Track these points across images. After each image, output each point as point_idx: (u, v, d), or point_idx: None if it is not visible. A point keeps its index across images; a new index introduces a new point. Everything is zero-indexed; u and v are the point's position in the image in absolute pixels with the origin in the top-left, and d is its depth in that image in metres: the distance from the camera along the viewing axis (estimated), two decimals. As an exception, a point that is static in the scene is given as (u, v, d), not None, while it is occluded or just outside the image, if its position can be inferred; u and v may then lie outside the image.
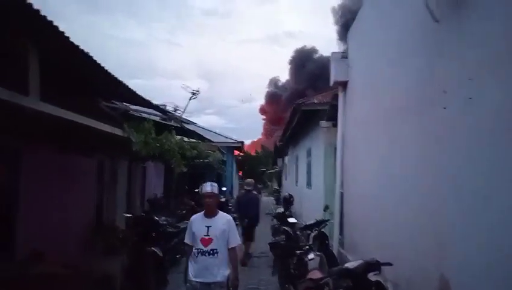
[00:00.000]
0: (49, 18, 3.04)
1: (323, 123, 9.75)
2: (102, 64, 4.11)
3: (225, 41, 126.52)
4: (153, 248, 7.29)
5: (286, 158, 25.87)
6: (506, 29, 2.95)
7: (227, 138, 24.74)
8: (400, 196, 5.13)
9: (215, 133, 23.76)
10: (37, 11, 2.86)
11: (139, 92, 5.79)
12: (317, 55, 43.12)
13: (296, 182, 18.17)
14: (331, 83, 8.55)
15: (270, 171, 44.26)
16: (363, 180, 7.08)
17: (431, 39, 4.22)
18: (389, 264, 3.95)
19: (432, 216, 4.10)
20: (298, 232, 8.45)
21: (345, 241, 8.34)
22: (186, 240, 4.71)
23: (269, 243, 8.55)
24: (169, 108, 11.99)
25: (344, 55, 8.31)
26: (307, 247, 6.38)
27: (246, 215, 10.57)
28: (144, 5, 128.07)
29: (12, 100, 3.12)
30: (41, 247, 5.84)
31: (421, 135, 4.40)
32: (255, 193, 12.46)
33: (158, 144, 6.35)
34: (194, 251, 4.53)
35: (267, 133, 53.41)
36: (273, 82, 54.33)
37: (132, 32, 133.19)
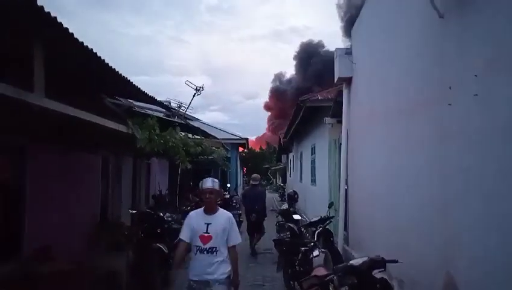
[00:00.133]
0: (54, 14, 3.04)
1: (328, 120, 9.71)
2: (106, 61, 4.11)
3: (230, 38, 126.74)
4: (158, 244, 7.30)
5: (290, 155, 25.84)
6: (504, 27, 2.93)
7: (231, 134, 24.77)
8: (407, 193, 5.11)
9: (220, 129, 23.79)
10: (41, 7, 2.85)
11: (145, 89, 5.80)
12: (324, 49, 41.85)
13: (301, 178, 18.15)
14: (335, 79, 8.51)
15: (274, 168, 44.25)
16: (368, 177, 7.05)
17: (436, 35, 4.19)
18: (394, 261, 3.92)
19: (439, 214, 4.09)
20: (303, 229, 8.43)
21: (349, 238, 8.33)
22: (182, 236, 4.40)
23: (274, 240, 8.54)
24: (174, 104, 12.00)
25: (348, 51, 8.27)
26: (312, 244, 6.36)
27: (253, 209, 10.89)
28: (151, 2, 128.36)
29: (17, 97, 3.13)
30: (47, 243, 5.87)
31: (429, 132, 4.37)
32: (261, 188, 12.78)
33: (162, 141, 6.34)
34: (192, 248, 4.33)
35: (272, 128, 52.56)
36: (278, 77, 53.70)
37: (140, 29, 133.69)
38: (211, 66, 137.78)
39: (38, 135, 5.75)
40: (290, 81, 49.72)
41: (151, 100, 6.43)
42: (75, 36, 3.40)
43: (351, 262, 4.15)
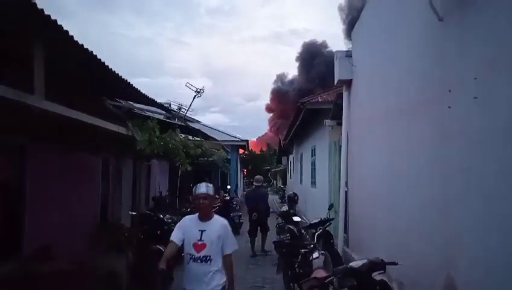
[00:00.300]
0: (54, 17, 3.05)
1: (328, 122, 9.72)
2: (106, 63, 4.12)
3: (230, 40, 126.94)
4: (158, 246, 7.30)
5: (291, 156, 25.85)
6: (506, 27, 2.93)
7: (232, 136, 24.77)
8: (407, 195, 5.11)
9: (220, 131, 23.80)
10: (41, 10, 2.87)
11: (145, 90, 5.84)
12: (327, 50, 40.32)
13: (301, 180, 18.15)
14: (336, 81, 8.53)
15: (274, 170, 44.25)
16: (368, 179, 7.06)
17: (435, 38, 4.20)
18: (394, 263, 3.93)
19: (440, 215, 4.08)
20: (303, 231, 8.43)
21: (349, 240, 8.32)
22: (173, 238, 4.09)
23: (274, 242, 8.55)
24: (174, 106, 12.02)
25: (348, 54, 8.28)
26: (312, 246, 6.37)
27: (256, 210, 11.16)
28: (151, 4, 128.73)
29: (17, 99, 3.14)
30: (47, 244, 5.87)
31: (430, 132, 4.37)
32: (265, 189, 13.60)
33: (162, 143, 6.35)
34: (185, 256, 4.08)
35: (274, 129, 51.85)
36: (280, 78, 53.00)
37: (141, 31, 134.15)
38: (211, 68, 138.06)
39: (39, 136, 5.75)
40: (292, 82, 49.07)
41: (151, 102, 6.45)
42: (75, 38, 3.41)
43: (350, 264, 4.15)
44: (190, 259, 4.01)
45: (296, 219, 9.39)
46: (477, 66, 3.37)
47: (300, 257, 6.48)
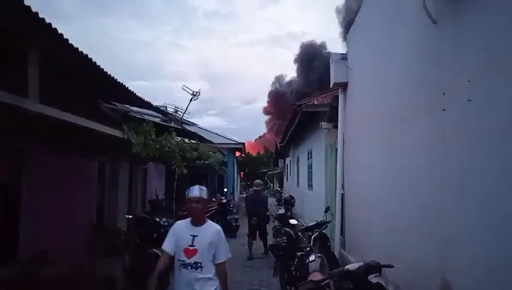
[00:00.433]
0: (50, 20, 3.05)
1: (324, 124, 9.75)
2: (102, 67, 4.12)
3: (227, 43, 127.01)
4: (154, 249, 7.28)
5: (287, 159, 25.86)
6: (506, 27, 2.94)
7: (228, 139, 24.77)
8: (403, 198, 5.12)
9: (217, 134, 23.79)
10: (36, 13, 2.86)
11: (142, 94, 5.83)
12: (326, 51, 38.95)
13: (298, 183, 18.16)
14: (331, 84, 8.55)
15: (271, 172, 44.22)
16: (364, 181, 7.07)
17: (430, 40, 4.22)
18: (390, 266, 3.94)
19: (436, 218, 4.09)
20: (299, 234, 8.44)
21: (346, 242, 8.33)
22: (165, 247, 3.95)
23: (270, 245, 8.54)
24: (170, 109, 12.00)
25: (344, 57, 8.31)
26: (308, 248, 6.36)
27: (256, 214, 11.28)
28: (150, 7, 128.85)
29: (12, 102, 3.12)
30: (43, 247, 5.84)
31: (426, 136, 4.37)
32: (264, 192, 13.83)
33: (158, 146, 6.34)
34: (176, 263, 3.89)
35: (273, 130, 51.11)
36: (278, 79, 52.27)
37: (139, 34, 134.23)
38: (208, 71, 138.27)
39: (35, 140, 5.74)
40: (290, 83, 48.70)
41: (147, 105, 6.44)
42: (71, 42, 3.41)
43: (346, 267, 4.16)
44: (181, 265, 3.84)
45: (293, 221, 9.40)
46: (472, 67, 3.38)
47: (296, 259, 6.48)
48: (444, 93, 3.82)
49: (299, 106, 11.68)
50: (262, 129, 61.76)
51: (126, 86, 5.02)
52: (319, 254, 5.86)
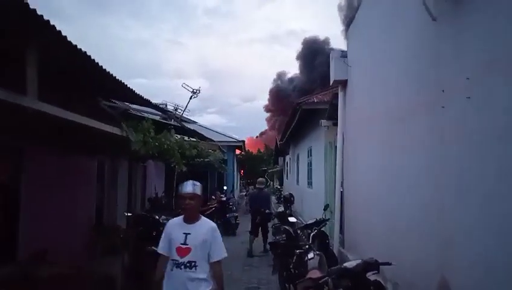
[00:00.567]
0: (48, 18, 3.04)
1: (324, 122, 9.74)
2: (101, 64, 4.11)
3: (227, 41, 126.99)
4: (153, 247, 7.27)
5: (287, 157, 25.86)
6: (505, 27, 2.93)
7: (228, 137, 24.76)
8: (403, 196, 5.11)
9: (217, 132, 23.79)
10: (34, 10, 2.86)
11: (142, 91, 5.84)
12: (330, 48, 36.43)
13: (297, 181, 18.16)
14: (331, 81, 8.54)
15: (271, 170, 44.20)
16: (364, 179, 7.07)
17: (430, 38, 4.21)
18: (388, 263, 3.94)
19: (435, 217, 4.08)
20: (299, 232, 8.44)
21: (345, 240, 8.33)
22: (161, 250, 3.82)
23: (269, 243, 8.55)
24: (170, 107, 12.01)
25: (344, 54, 8.29)
26: (307, 246, 6.36)
27: (259, 212, 11.48)
28: (149, 6, 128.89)
29: (10, 100, 3.12)
30: (42, 247, 5.85)
31: (425, 136, 4.36)
32: (267, 190, 14.28)
33: (157, 143, 6.34)
34: (168, 263, 3.73)
35: (275, 127, 50.41)
36: (280, 76, 51.74)
37: (139, 32, 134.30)
38: (208, 69, 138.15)
39: (34, 139, 5.74)
40: (291, 80, 48.18)
41: (146, 103, 6.44)
42: (69, 39, 3.40)
43: (344, 264, 4.16)
44: (174, 265, 3.66)
45: (292, 219, 9.38)
46: (471, 67, 3.38)
47: (295, 257, 6.48)
48: (443, 91, 3.81)
49: (299, 104, 11.66)
50: (263, 127, 61.69)
51: (125, 83, 5.02)
52: (317, 252, 5.87)
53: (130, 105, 7.12)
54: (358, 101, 7.49)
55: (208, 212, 15.97)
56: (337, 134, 8.57)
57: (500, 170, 2.98)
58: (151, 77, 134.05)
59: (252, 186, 29.62)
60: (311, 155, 13.65)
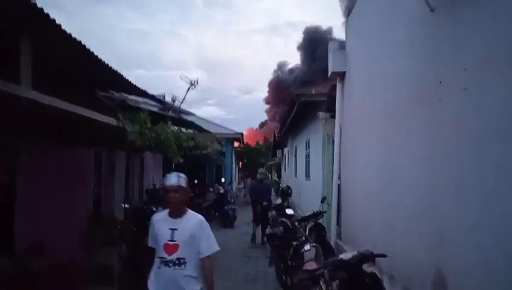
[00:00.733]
0: (44, 8, 3.00)
1: (322, 114, 9.70)
2: (96, 54, 4.07)
3: (226, 32, 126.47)
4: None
5: (285, 150, 25.85)
6: (504, 17, 2.91)
7: (226, 129, 24.71)
8: (400, 188, 5.10)
9: (215, 124, 23.73)
10: (27, -2, 2.82)
11: (141, 83, 5.83)
12: (332, 37, 35.71)
13: (295, 173, 18.17)
14: (329, 73, 8.50)
15: (269, 163, 44.20)
16: (361, 172, 7.06)
17: (428, 29, 4.18)
18: (384, 255, 3.94)
19: (432, 210, 4.07)
20: (296, 224, 8.44)
21: (342, 232, 8.34)
22: (152, 244, 3.62)
23: (266, 235, 8.55)
24: (168, 99, 11.95)
25: (342, 46, 8.24)
26: (303, 238, 6.37)
27: (259, 202, 11.60)
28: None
29: (3, 88, 3.09)
30: (39, 239, 5.85)
31: (423, 126, 4.34)
32: (267, 181, 14.37)
33: (154, 135, 6.31)
34: (155, 261, 3.53)
35: (275, 118, 49.95)
36: (280, 66, 51.28)
37: (138, 24, 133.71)
38: (207, 61, 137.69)
39: (30, 130, 5.70)
40: (292, 71, 47.69)
41: (142, 93, 6.40)
42: (63, 28, 3.36)
43: (340, 256, 4.16)
44: (161, 263, 3.46)
45: (289, 211, 9.38)
46: (470, 58, 3.35)
47: (292, 249, 6.49)
48: (440, 82, 3.79)
49: (297, 96, 11.61)
50: (262, 119, 61.50)
51: (120, 73, 4.98)
52: (314, 244, 5.88)
53: (127, 96, 7.08)
54: (357, 94, 7.45)
55: (205, 204, 16.02)
56: (334, 126, 8.54)
57: (499, 164, 2.97)
58: (150, 68, 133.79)
59: (250, 179, 29.64)
60: (309, 147, 13.63)
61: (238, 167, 42.26)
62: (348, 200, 7.98)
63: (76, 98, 4.25)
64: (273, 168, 44.65)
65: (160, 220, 3.60)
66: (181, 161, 7.76)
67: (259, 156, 46.42)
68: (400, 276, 4.82)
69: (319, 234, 7.64)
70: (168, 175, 3.62)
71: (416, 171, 4.58)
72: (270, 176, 46.99)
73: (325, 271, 4.40)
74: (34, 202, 6.14)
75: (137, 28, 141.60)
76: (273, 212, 10.79)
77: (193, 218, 3.59)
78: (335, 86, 8.57)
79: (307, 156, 13.96)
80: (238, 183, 35.84)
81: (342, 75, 8.20)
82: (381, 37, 5.96)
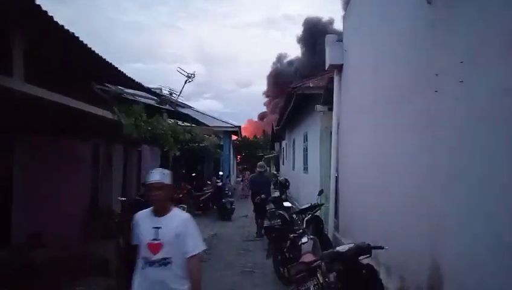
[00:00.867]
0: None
1: (319, 107, 9.69)
2: (89, 46, 4.03)
3: (224, 25, 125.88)
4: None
5: (283, 142, 25.83)
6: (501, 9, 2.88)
7: (224, 122, 24.65)
8: (395, 180, 5.11)
9: (212, 117, 23.65)
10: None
11: (139, 76, 5.81)
12: (333, 28, 36.28)
13: (293, 166, 18.17)
14: (327, 66, 8.46)
15: (268, 156, 44.22)
16: (358, 164, 7.05)
17: (424, 21, 4.15)
18: (380, 247, 3.95)
19: (427, 202, 4.08)
20: (294, 216, 8.45)
21: (339, 225, 8.36)
22: (136, 242, 3.43)
23: (264, 227, 8.56)
24: (165, 92, 11.90)
25: (339, 38, 8.20)
26: (301, 230, 6.37)
27: (259, 195, 11.68)
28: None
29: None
30: (36, 231, 5.85)
31: (418, 119, 4.34)
32: (267, 174, 14.50)
33: (149, 127, 6.29)
34: (139, 261, 3.34)
35: (275, 110, 49.54)
36: (279, 59, 51.00)
37: (135, 16, 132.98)
38: (204, 54, 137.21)
39: (27, 123, 5.68)
40: (291, 63, 47.39)
41: (138, 86, 6.36)
42: (55, 20, 3.32)
43: (337, 248, 4.17)
44: (145, 263, 3.28)
45: (287, 204, 9.40)
46: (462, 50, 3.34)
47: (289, 242, 6.50)
48: (436, 75, 3.77)
49: (294, 88, 11.56)
50: (257, 114, 61.46)
51: (115, 66, 4.95)
52: (311, 236, 5.87)
53: (124, 89, 7.05)
54: (353, 87, 7.43)
55: (203, 197, 16.03)
56: (332, 119, 8.52)
57: (492, 155, 2.97)
58: (148, 62, 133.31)
59: (249, 172, 29.64)
60: (307, 140, 13.62)
61: (237, 160, 42.28)
62: (345, 192, 7.99)
63: (72, 92, 4.22)
64: (271, 161, 44.68)
65: (144, 218, 3.42)
66: (177, 153, 7.74)
67: (257, 149, 46.45)
68: (396, 266, 4.83)
69: (316, 226, 7.65)
70: (151, 171, 3.44)
71: (409, 162, 4.59)
72: (268, 169, 47.11)
73: (322, 263, 4.41)
74: (32, 194, 6.13)
75: (134, 20, 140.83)
76: (271, 205, 10.83)
77: (177, 216, 3.43)
78: (332, 78, 8.54)
79: (305, 149, 13.95)
80: (237, 177, 35.84)
81: (339, 68, 8.16)
82: (378, 29, 5.93)
